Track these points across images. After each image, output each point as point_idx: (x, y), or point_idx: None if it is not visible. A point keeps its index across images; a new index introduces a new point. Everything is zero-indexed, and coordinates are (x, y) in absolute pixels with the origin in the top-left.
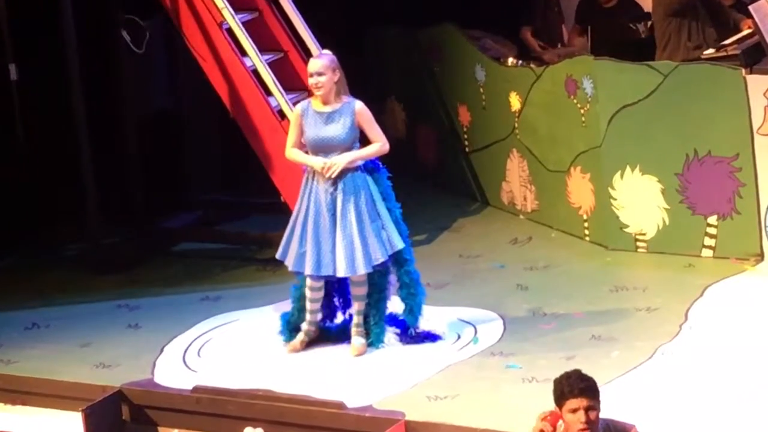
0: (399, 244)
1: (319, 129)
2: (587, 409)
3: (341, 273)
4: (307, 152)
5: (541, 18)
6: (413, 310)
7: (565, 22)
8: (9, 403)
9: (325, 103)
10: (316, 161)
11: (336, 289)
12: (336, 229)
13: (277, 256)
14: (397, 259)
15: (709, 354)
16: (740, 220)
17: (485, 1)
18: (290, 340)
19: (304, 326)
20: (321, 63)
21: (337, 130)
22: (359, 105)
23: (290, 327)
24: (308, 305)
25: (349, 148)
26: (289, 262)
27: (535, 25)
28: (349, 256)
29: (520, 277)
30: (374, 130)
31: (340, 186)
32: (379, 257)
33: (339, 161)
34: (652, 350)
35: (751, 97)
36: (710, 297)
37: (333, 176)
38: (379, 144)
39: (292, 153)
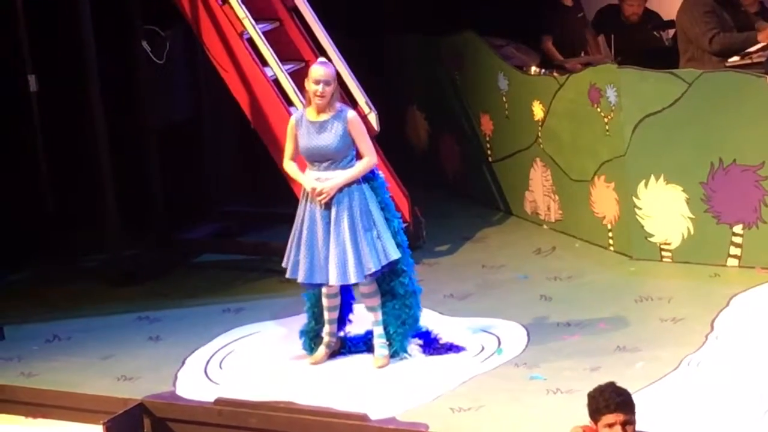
0: (394, 255)
1: (312, 138)
2: (624, 424)
3: (333, 281)
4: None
5: (562, 26)
6: (406, 321)
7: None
8: (30, 416)
9: (320, 112)
10: (307, 182)
11: (345, 299)
12: (330, 238)
13: (283, 264)
14: (394, 269)
15: (736, 364)
16: (766, 229)
17: (506, 9)
18: (313, 352)
19: (325, 338)
20: (328, 72)
21: (330, 139)
22: (351, 114)
23: (310, 336)
24: (326, 315)
25: (344, 157)
26: (288, 270)
27: (555, 34)
28: (341, 265)
29: (544, 288)
30: (364, 143)
31: (334, 195)
32: (371, 267)
33: (328, 189)
34: (677, 361)
35: None
36: (736, 307)
37: (323, 202)
38: (367, 159)
39: (288, 166)
